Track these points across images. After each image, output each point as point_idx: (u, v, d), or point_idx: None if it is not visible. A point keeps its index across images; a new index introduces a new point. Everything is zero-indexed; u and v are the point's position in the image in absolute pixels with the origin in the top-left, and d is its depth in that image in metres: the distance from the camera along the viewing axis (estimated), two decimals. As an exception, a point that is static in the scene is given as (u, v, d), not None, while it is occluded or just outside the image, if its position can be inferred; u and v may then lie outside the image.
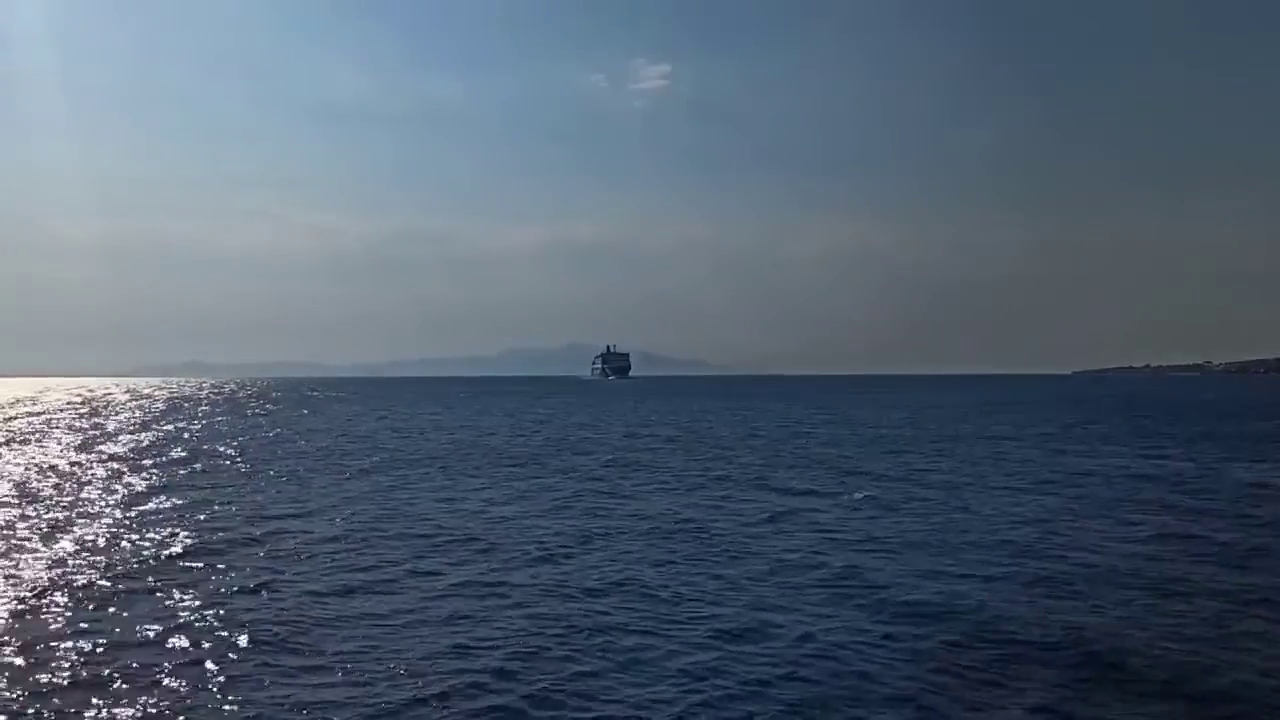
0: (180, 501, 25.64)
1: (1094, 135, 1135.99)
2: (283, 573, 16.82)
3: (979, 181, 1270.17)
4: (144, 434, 54.71)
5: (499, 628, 13.11)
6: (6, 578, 16.05)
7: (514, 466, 36.05)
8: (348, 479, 31.52)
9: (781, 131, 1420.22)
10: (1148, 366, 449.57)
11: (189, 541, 19.55)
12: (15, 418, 73.28)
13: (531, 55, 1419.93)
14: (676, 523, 22.31)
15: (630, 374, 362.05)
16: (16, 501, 25.10)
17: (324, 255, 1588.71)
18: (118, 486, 29.00)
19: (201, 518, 22.74)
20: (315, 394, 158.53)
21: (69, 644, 12.28)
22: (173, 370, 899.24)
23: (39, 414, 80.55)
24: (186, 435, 54.17)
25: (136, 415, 79.17)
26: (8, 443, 47.76)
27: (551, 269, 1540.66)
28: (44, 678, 11.07)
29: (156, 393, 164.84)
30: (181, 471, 33.98)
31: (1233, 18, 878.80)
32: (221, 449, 44.21)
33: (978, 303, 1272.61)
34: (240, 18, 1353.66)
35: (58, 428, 60.84)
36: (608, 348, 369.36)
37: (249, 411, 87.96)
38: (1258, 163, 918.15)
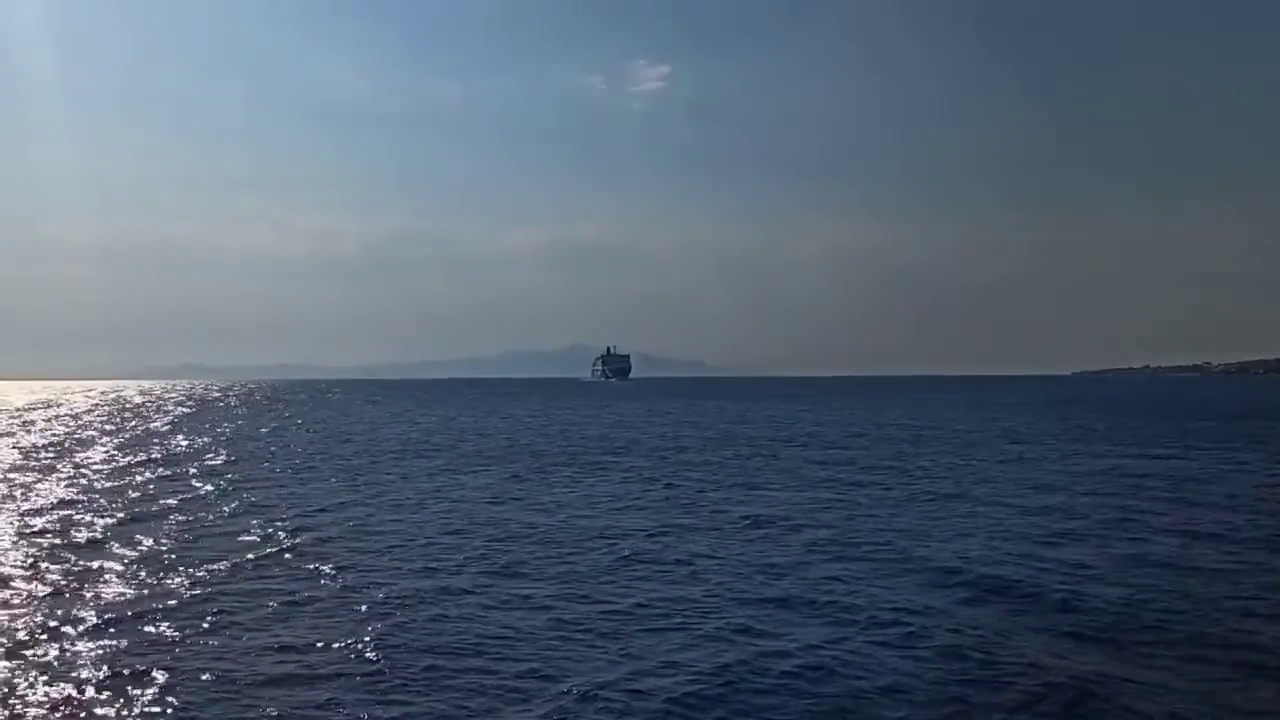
0: (268, 500, 27.38)
1: (1093, 136, 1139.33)
2: (453, 571, 17.79)
3: (979, 182, 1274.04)
4: (192, 436, 56.24)
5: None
6: (133, 574, 17.10)
7: (587, 466, 37.46)
8: (439, 480, 32.85)
9: (781, 132, 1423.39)
10: (1147, 367, 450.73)
11: (330, 541, 21.03)
12: (53, 418, 75.12)
13: (530, 57, 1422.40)
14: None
15: (630, 376, 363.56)
16: (113, 506, 25.72)
17: (323, 257, 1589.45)
18: (207, 485, 30.69)
19: (303, 517, 24.01)
20: (336, 394, 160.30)
21: (213, 639, 12.92)
22: (172, 372, 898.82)
23: (70, 416, 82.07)
24: (234, 436, 55.90)
25: (171, 417, 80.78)
26: (72, 447, 49.16)
27: (551, 270, 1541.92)
28: (180, 669, 11.54)
29: (169, 395, 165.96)
30: (265, 468, 35.90)
31: (1232, 18, 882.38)
32: (281, 449, 45.99)
33: (977, 303, 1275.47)
34: (239, 19, 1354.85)
35: (105, 431, 62.34)
36: (608, 349, 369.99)
37: (286, 413, 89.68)
38: (1258, 164, 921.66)
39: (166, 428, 64.56)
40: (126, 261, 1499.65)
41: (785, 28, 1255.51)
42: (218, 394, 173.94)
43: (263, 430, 61.96)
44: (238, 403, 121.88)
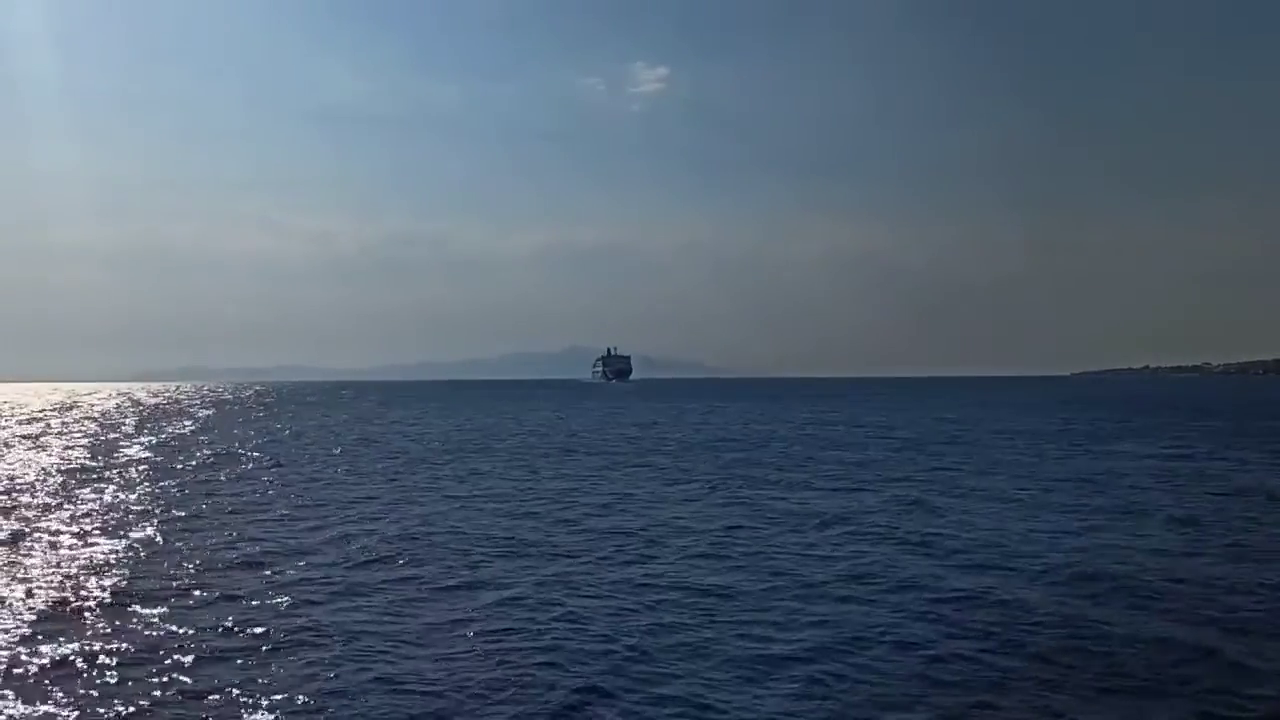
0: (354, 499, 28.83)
1: (1093, 136, 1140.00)
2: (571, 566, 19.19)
3: (978, 183, 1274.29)
4: (232, 439, 57.26)
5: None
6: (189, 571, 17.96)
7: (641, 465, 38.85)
8: (517, 474, 34.26)
9: (780, 133, 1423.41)
10: (1146, 368, 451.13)
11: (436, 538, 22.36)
12: (83, 419, 75.89)
13: (529, 59, 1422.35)
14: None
15: (631, 377, 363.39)
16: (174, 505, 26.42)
17: (323, 259, 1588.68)
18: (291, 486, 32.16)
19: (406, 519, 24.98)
20: (346, 394, 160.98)
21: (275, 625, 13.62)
22: (172, 375, 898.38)
23: (94, 418, 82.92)
24: (277, 437, 57.05)
25: (202, 419, 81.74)
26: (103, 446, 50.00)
27: (549, 272, 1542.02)
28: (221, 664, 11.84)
29: (182, 397, 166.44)
30: (336, 469, 37.22)
31: (1232, 18, 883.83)
32: (330, 452, 47.16)
33: (977, 304, 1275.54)
34: (239, 22, 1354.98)
35: (141, 432, 63.17)
36: (608, 350, 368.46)
37: (316, 415, 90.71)
38: (1258, 164, 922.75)
39: (199, 428, 65.80)
40: (126, 264, 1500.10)
41: (784, 29, 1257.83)
42: (229, 396, 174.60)
43: (332, 431, 63.16)
44: (255, 404, 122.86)
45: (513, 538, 21.19)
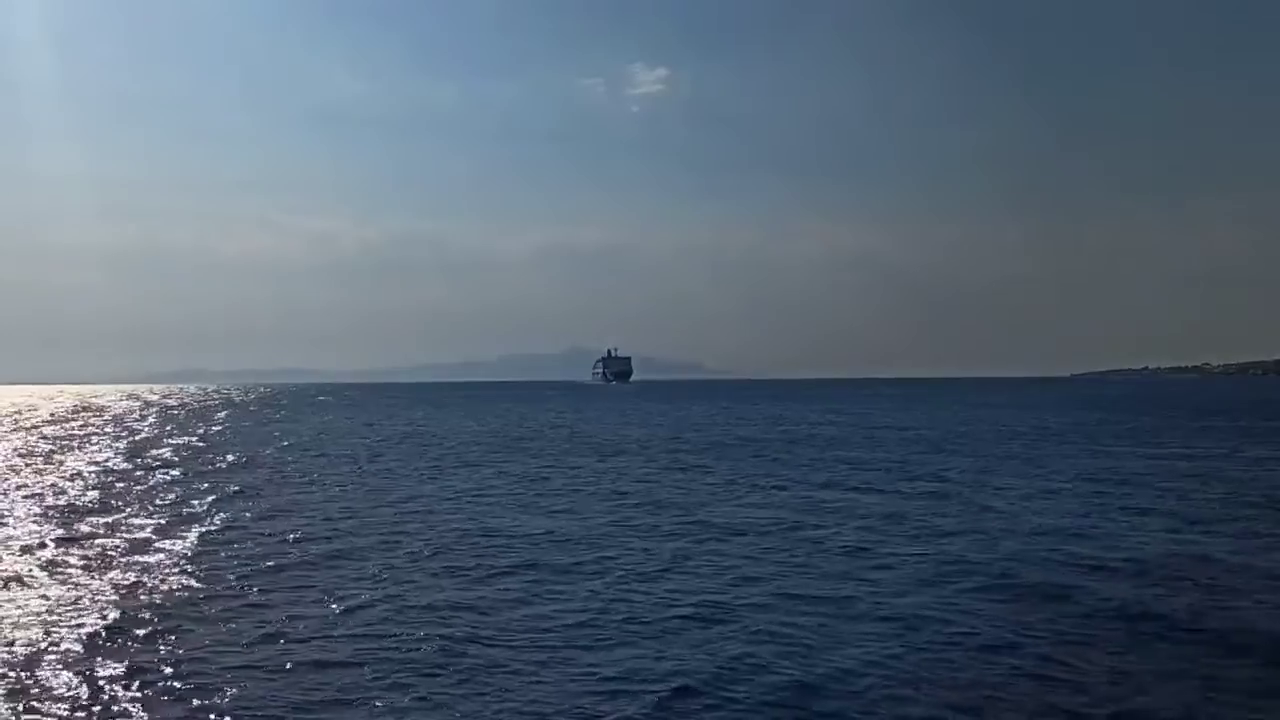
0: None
1: (1093, 137, 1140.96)
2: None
3: (978, 184, 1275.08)
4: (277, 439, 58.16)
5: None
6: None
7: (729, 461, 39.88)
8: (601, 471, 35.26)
9: (780, 134, 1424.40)
10: (1146, 369, 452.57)
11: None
12: (105, 423, 76.64)
13: (528, 60, 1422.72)
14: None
15: (631, 378, 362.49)
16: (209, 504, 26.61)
17: (323, 260, 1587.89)
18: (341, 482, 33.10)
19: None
20: (350, 394, 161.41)
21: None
22: (173, 377, 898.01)
23: (115, 421, 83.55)
24: (313, 438, 57.98)
25: (233, 419, 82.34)
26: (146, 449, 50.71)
27: (549, 274, 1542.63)
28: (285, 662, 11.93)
29: (188, 400, 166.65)
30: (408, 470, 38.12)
31: (1231, 19, 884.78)
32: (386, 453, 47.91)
33: (977, 305, 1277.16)
34: (239, 22, 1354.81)
35: (172, 434, 63.82)
36: (609, 351, 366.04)
37: (345, 417, 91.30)
38: (1257, 164, 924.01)
39: (231, 429, 66.55)
40: (126, 265, 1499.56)
41: (784, 30, 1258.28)
42: (242, 398, 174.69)
43: (374, 433, 64.02)
44: (276, 406, 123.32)
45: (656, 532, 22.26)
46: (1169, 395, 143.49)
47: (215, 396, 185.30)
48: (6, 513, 24.95)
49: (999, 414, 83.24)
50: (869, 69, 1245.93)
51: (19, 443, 53.41)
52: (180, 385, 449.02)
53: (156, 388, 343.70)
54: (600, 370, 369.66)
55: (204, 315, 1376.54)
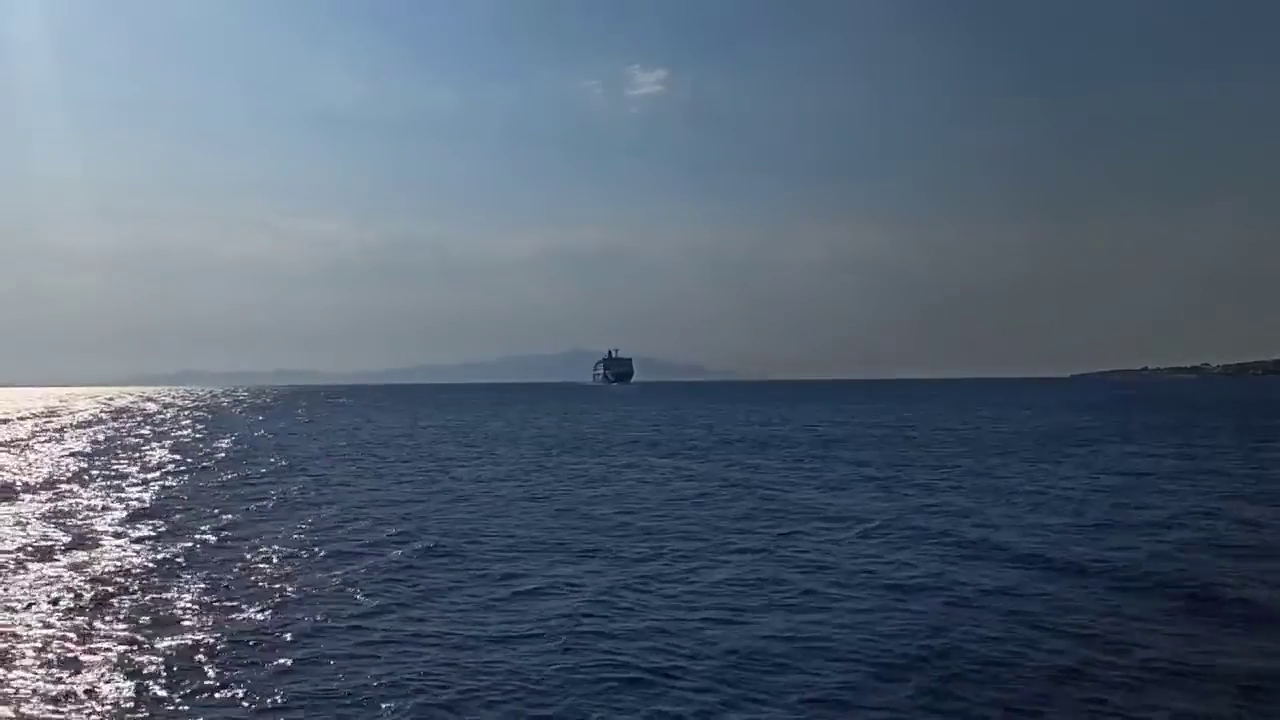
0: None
1: (1093, 138, 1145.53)
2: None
3: (978, 185, 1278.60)
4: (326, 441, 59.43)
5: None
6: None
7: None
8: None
9: (779, 135, 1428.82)
10: (1145, 369, 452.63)
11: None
12: (136, 424, 77.14)
13: (527, 62, 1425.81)
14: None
15: (632, 380, 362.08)
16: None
17: (322, 263, 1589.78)
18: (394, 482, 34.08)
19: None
20: (346, 400, 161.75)
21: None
22: (172, 379, 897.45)
23: (146, 421, 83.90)
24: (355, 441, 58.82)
25: (261, 421, 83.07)
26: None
27: (549, 276, 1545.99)
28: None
29: (207, 401, 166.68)
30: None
31: (1231, 20, 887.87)
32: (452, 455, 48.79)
33: (977, 306, 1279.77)
34: (238, 26, 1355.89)
35: (221, 436, 64.42)
36: (609, 353, 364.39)
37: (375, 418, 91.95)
38: (1257, 165, 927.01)
39: (268, 431, 67.29)
40: (126, 268, 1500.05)
41: (782, 31, 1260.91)
42: (258, 399, 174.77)
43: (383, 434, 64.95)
44: (301, 407, 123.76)
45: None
46: (1186, 396, 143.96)
47: (239, 397, 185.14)
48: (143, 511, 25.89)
49: (1020, 414, 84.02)
50: (869, 70, 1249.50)
51: (84, 445, 54.16)
52: (180, 387, 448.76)
53: (156, 390, 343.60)
54: (601, 372, 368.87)
55: (203, 317, 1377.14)
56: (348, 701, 10.58)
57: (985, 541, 20.05)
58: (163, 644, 12.62)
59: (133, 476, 34.87)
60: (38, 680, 11.19)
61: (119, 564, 18.10)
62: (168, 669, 11.63)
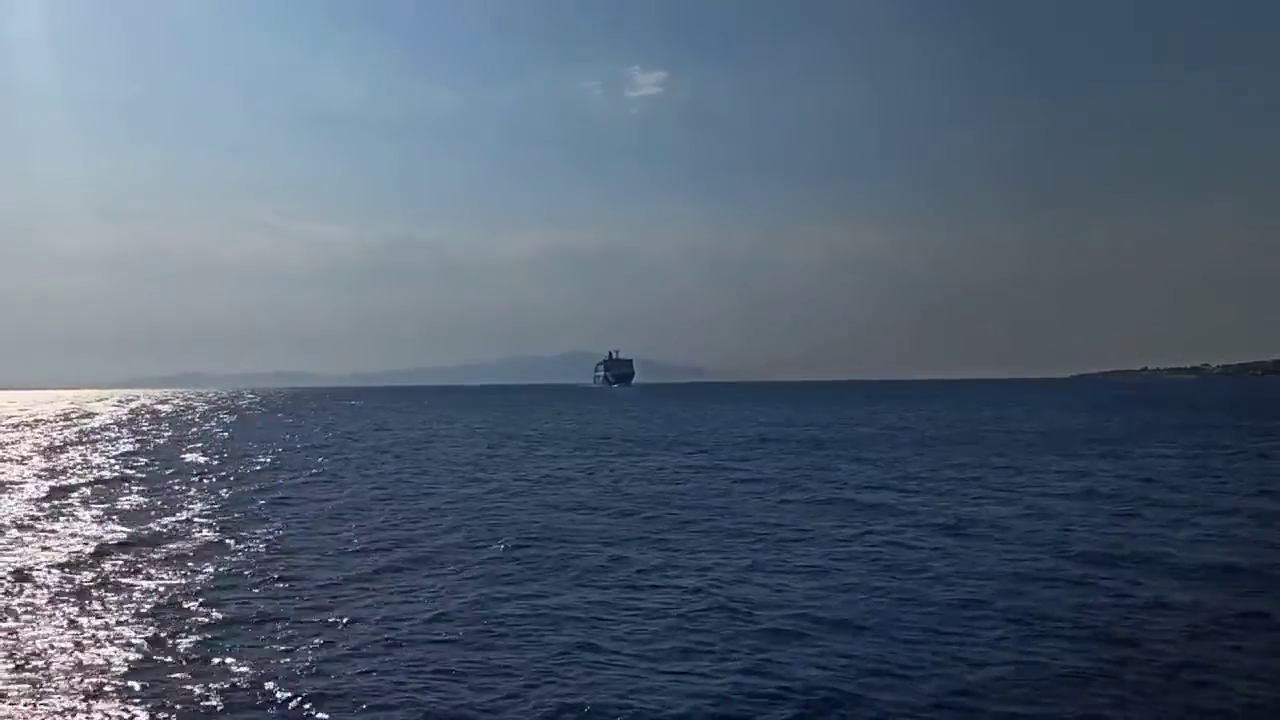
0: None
1: (1092, 138, 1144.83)
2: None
3: (978, 185, 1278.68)
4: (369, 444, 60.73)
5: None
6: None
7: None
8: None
9: (779, 136, 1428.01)
10: (1145, 369, 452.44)
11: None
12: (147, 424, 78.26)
13: (526, 63, 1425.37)
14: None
15: (633, 381, 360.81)
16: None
17: (322, 264, 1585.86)
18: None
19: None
20: (358, 402, 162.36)
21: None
22: (171, 381, 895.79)
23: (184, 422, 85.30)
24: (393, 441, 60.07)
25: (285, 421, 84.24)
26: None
27: (548, 276, 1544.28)
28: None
29: (222, 402, 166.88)
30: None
31: (1230, 20, 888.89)
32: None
33: (976, 307, 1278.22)
34: (237, 27, 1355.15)
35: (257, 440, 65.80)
36: (610, 354, 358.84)
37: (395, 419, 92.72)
38: (1256, 165, 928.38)
39: (296, 432, 68.61)
40: (124, 270, 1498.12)
41: (782, 31, 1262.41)
42: (262, 402, 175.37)
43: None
44: (312, 408, 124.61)
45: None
46: (1196, 397, 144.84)
47: (250, 399, 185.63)
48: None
49: (1040, 414, 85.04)
50: (868, 70, 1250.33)
51: (135, 445, 55.50)
52: (180, 389, 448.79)
53: (160, 392, 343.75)
54: (602, 373, 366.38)
55: (202, 319, 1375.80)
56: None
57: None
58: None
59: (255, 479, 36.27)
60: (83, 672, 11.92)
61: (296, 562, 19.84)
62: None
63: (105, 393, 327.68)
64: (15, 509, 26.85)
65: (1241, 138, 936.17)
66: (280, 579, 17.30)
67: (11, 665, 12.15)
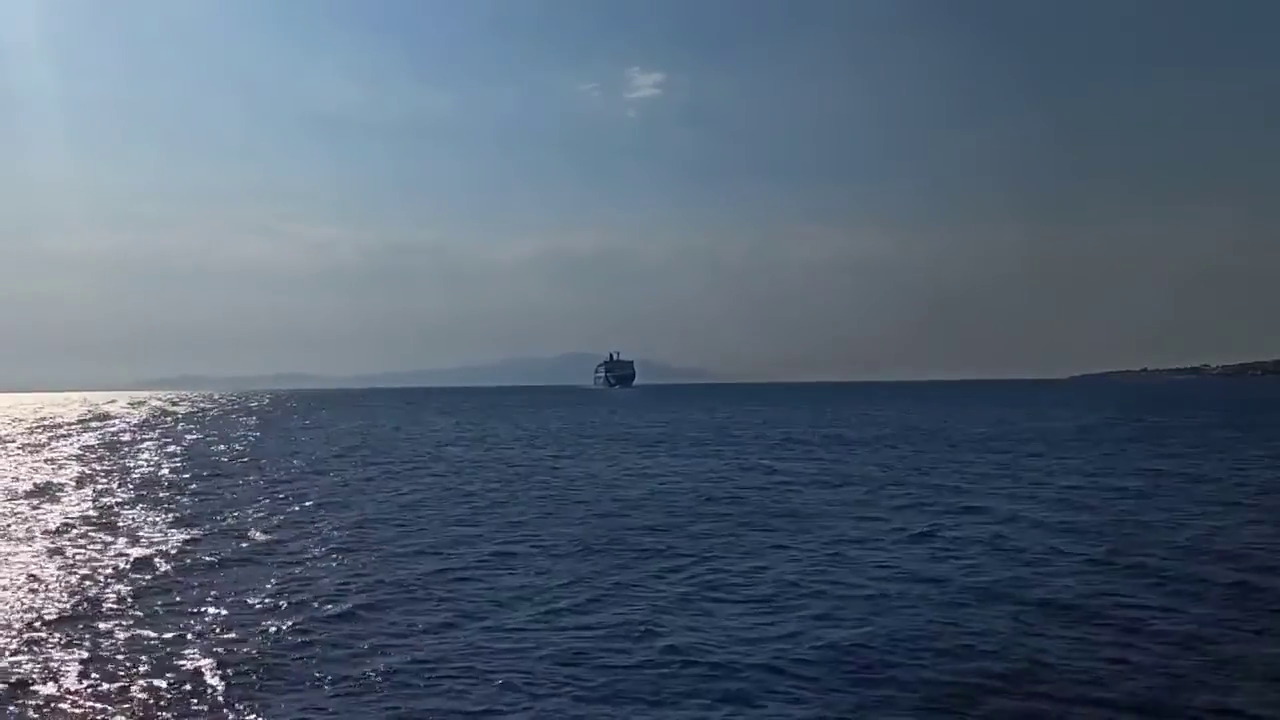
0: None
1: (1092, 139, 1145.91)
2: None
3: (976, 186, 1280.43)
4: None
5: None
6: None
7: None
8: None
9: (778, 138, 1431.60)
10: (1144, 370, 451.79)
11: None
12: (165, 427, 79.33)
13: (524, 65, 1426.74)
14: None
15: (633, 383, 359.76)
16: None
17: (320, 267, 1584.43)
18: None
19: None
20: (371, 401, 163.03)
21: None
22: (171, 383, 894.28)
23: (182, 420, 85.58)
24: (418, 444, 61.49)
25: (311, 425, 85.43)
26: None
27: (547, 278, 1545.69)
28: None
29: (232, 405, 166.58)
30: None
31: (1229, 21, 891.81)
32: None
33: (975, 308, 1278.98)
34: (236, 30, 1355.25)
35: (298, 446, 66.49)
36: (611, 356, 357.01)
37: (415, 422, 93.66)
38: (1255, 166, 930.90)
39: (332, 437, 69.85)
40: (123, 273, 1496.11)
41: (781, 33, 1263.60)
42: (269, 404, 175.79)
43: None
44: (319, 410, 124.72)
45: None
46: (1201, 396, 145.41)
47: (256, 401, 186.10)
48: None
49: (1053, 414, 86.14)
50: (867, 72, 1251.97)
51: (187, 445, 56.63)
52: (182, 391, 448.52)
53: (164, 394, 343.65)
54: (603, 375, 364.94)
55: (202, 322, 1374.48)
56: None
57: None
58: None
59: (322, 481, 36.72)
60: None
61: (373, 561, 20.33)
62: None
63: (111, 395, 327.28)
64: (104, 508, 27.97)
65: (1241, 138, 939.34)
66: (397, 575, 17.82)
67: (104, 662, 12.31)
